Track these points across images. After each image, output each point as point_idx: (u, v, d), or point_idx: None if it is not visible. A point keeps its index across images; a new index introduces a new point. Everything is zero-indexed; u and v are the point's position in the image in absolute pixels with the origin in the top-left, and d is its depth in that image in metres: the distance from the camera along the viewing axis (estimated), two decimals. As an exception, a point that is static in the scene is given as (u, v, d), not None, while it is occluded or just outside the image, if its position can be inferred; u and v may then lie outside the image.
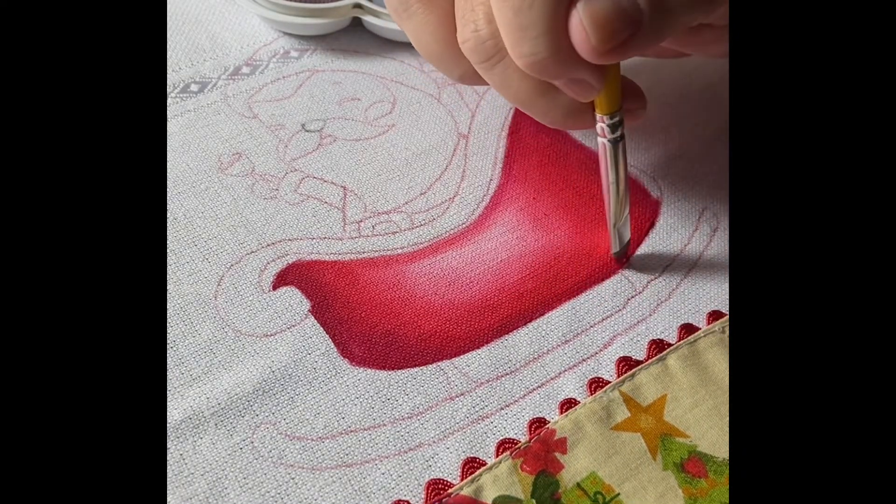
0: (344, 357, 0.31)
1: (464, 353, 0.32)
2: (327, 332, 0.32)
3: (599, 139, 0.32)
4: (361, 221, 0.36)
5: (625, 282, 0.35)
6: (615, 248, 0.35)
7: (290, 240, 0.35)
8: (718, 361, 0.32)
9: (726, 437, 0.30)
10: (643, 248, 0.36)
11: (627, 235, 0.35)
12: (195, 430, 0.29)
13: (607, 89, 0.30)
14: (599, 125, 0.31)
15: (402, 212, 0.37)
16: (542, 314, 0.33)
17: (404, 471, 0.29)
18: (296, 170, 0.38)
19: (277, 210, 0.36)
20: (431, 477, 0.29)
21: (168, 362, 0.30)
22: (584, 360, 0.32)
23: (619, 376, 0.31)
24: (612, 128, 0.31)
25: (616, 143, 0.31)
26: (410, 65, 0.43)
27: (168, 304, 0.32)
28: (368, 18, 0.43)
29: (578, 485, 0.28)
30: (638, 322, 0.34)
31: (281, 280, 0.33)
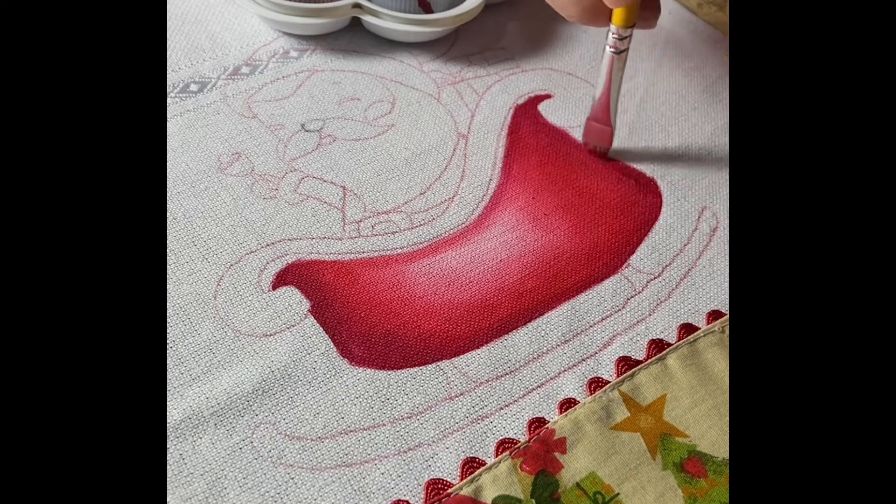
0: (343, 357, 0.31)
1: (463, 353, 0.32)
2: (327, 332, 0.32)
3: (608, 49, 0.36)
4: (361, 221, 0.36)
5: (624, 282, 0.35)
6: (612, 144, 0.39)
7: (289, 240, 0.35)
8: (718, 361, 0.32)
9: (726, 437, 0.30)
10: (643, 248, 0.36)
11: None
12: (195, 430, 0.29)
13: (629, 7, 0.34)
14: (611, 37, 0.36)
15: (401, 212, 0.37)
16: (542, 314, 0.33)
17: (404, 471, 0.29)
18: (295, 170, 0.38)
19: (277, 210, 0.36)
20: (431, 477, 0.29)
21: (168, 362, 0.30)
22: (583, 359, 0.32)
23: (618, 376, 0.31)
24: (622, 41, 0.36)
25: (620, 53, 0.36)
26: (410, 65, 0.43)
27: (168, 304, 0.32)
28: (368, 18, 0.43)
29: (578, 484, 0.28)
30: (638, 322, 0.34)
31: (280, 280, 0.33)
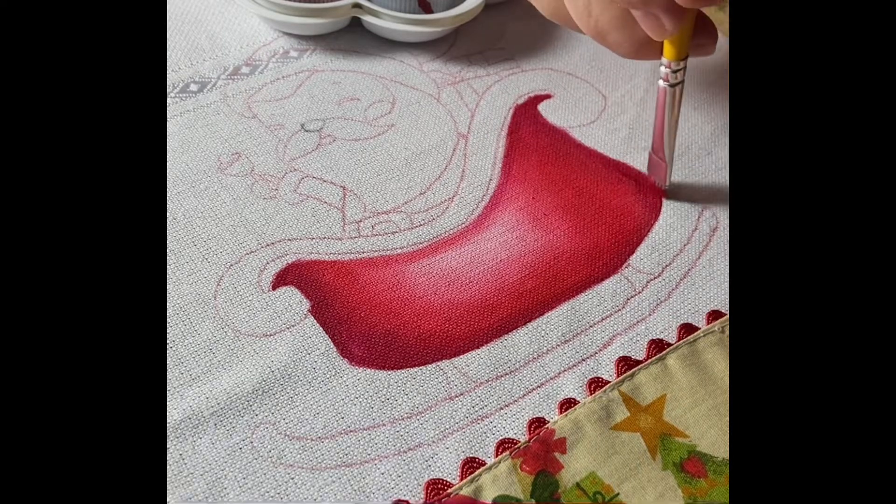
0: (343, 357, 0.31)
1: (463, 352, 0.32)
2: (327, 332, 0.32)
3: (661, 82, 0.34)
4: (361, 221, 0.36)
5: (624, 282, 0.35)
6: (669, 182, 0.38)
7: (289, 240, 0.35)
8: (718, 361, 0.32)
9: (726, 437, 0.30)
10: (643, 248, 0.36)
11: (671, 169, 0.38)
12: (195, 430, 0.29)
13: (678, 39, 0.33)
14: (664, 69, 0.34)
15: (401, 212, 0.37)
16: (542, 314, 0.33)
17: (404, 471, 0.29)
18: (295, 170, 0.38)
19: (277, 210, 0.36)
20: (431, 477, 0.29)
21: (168, 362, 0.30)
22: (583, 359, 0.32)
23: (618, 376, 0.31)
24: (675, 74, 0.34)
25: (674, 87, 0.34)
26: (410, 65, 0.43)
27: (168, 304, 0.32)
28: (368, 18, 0.43)
29: (578, 484, 0.28)
30: (637, 322, 0.34)
31: (280, 280, 0.33)
